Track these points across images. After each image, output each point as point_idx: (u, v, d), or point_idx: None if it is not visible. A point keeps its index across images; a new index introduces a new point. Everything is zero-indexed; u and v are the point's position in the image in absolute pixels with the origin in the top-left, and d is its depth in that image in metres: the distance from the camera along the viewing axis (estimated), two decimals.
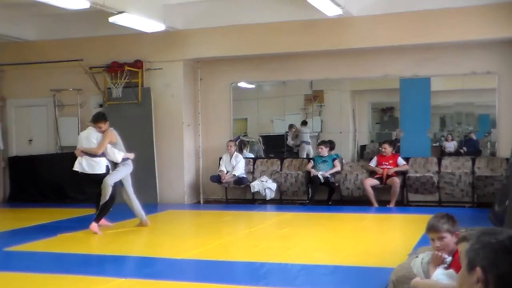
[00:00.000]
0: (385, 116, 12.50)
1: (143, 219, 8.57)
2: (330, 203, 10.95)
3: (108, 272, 6.00)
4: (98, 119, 8.22)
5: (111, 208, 8.17)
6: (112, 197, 8.06)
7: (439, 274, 3.34)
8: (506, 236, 1.65)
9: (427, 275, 3.53)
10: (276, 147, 12.40)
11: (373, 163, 10.80)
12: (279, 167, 11.63)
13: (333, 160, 11.09)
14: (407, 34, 10.29)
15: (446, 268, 3.39)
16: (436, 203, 10.42)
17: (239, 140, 12.14)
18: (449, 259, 3.43)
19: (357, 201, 10.68)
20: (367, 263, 6.05)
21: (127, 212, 9.76)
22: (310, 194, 11.00)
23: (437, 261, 3.48)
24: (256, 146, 12.53)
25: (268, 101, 12.53)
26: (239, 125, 12.62)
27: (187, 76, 11.81)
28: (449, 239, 3.52)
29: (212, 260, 6.50)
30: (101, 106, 12.04)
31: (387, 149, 10.73)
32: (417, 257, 3.84)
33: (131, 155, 8.42)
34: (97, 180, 8.03)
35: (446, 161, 10.77)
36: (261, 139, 12.53)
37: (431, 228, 3.59)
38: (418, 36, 10.24)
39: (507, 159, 9.58)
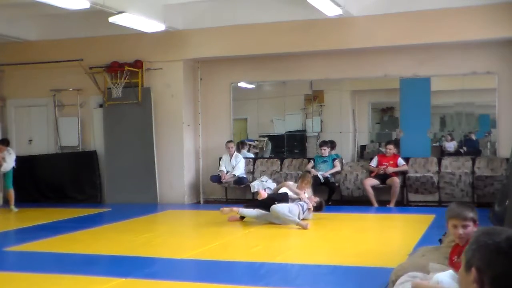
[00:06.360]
0: (385, 116, 12.49)
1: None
2: (330, 203, 10.93)
3: (108, 272, 6.00)
4: None
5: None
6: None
7: (443, 276, 3.30)
8: (503, 238, 1.65)
9: None
10: (277, 147, 12.39)
11: (373, 163, 10.80)
12: (279, 167, 11.63)
13: (333, 160, 11.08)
14: (407, 34, 10.29)
15: None
16: (436, 203, 10.42)
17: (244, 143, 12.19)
18: None
19: (357, 201, 10.68)
20: (367, 263, 6.05)
21: (128, 212, 9.81)
22: None
23: None
24: (268, 146, 12.48)
25: (268, 101, 12.51)
26: (239, 125, 12.61)
27: (187, 76, 11.81)
28: (472, 228, 3.49)
29: (212, 260, 6.50)
30: (101, 106, 12.05)
31: (392, 150, 10.72)
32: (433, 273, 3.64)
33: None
34: None
35: (446, 161, 10.77)
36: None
37: (458, 215, 3.51)
38: (418, 36, 10.24)
39: (507, 159, 9.58)
